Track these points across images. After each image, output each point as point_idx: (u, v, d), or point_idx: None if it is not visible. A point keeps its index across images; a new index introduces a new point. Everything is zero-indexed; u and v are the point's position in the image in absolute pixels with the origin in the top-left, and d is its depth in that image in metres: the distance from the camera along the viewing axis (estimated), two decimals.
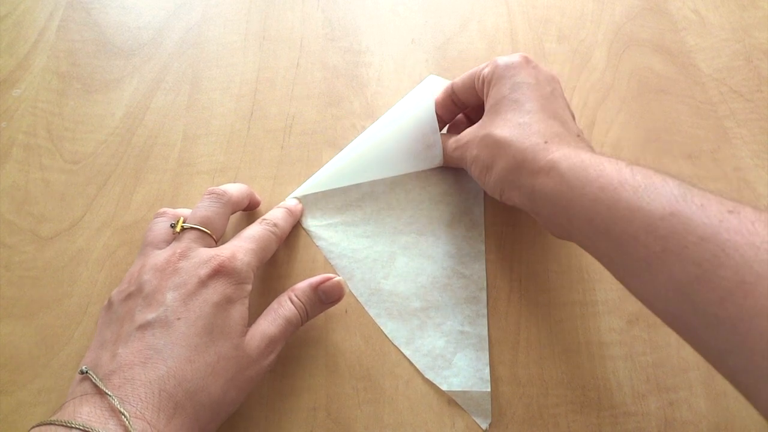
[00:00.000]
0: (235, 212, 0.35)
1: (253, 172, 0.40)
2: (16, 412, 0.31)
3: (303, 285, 0.32)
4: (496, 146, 0.31)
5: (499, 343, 0.34)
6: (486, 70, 0.34)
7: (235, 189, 0.34)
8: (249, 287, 0.30)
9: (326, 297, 0.32)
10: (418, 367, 0.33)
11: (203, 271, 0.28)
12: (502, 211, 0.38)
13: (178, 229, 0.31)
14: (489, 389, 0.32)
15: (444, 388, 0.32)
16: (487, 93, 0.34)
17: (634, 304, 0.35)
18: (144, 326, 0.27)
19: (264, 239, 0.32)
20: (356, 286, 0.36)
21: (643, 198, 0.24)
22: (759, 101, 0.42)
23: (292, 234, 0.37)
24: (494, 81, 0.34)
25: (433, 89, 0.39)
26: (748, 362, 0.20)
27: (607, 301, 0.35)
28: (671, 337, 0.34)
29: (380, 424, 0.32)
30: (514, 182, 0.30)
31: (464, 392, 0.32)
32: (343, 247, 0.37)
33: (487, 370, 0.33)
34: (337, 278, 0.33)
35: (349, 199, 0.38)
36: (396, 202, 0.38)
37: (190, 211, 0.33)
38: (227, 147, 0.41)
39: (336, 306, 0.35)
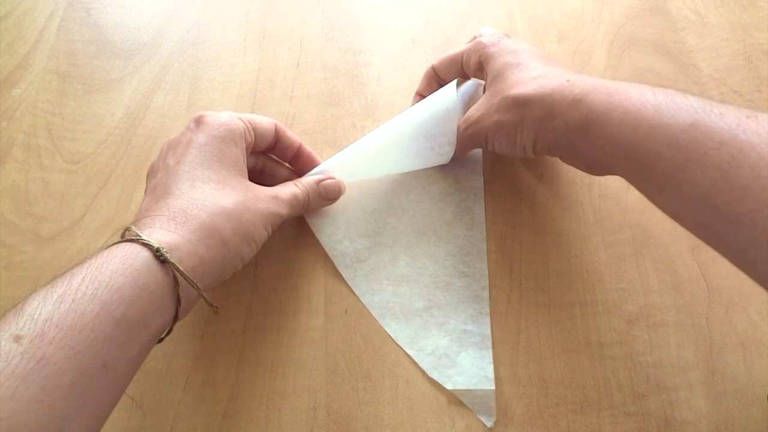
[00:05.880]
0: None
1: None
2: None
3: (307, 178, 0.35)
4: (520, 103, 0.31)
5: (500, 342, 0.34)
6: (474, 57, 0.35)
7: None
8: (238, 132, 0.32)
9: (326, 192, 0.35)
10: (422, 366, 0.33)
11: (191, 125, 0.31)
12: (503, 210, 0.38)
13: None
14: (493, 387, 0.32)
15: (448, 387, 0.32)
16: (484, 70, 0.35)
17: (634, 304, 0.35)
18: (154, 185, 0.30)
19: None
20: (358, 286, 0.35)
21: (664, 115, 0.25)
22: (759, 101, 0.42)
23: (294, 234, 0.37)
24: (489, 56, 0.34)
25: (457, 89, 0.38)
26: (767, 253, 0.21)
27: (607, 301, 0.35)
28: (671, 337, 0.34)
29: (380, 424, 0.32)
30: (548, 127, 0.30)
31: (468, 391, 0.32)
32: (346, 245, 0.37)
33: (491, 368, 0.33)
34: (337, 179, 0.36)
35: (349, 196, 0.38)
36: (397, 202, 0.38)
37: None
38: None
39: (336, 306, 0.35)
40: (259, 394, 0.32)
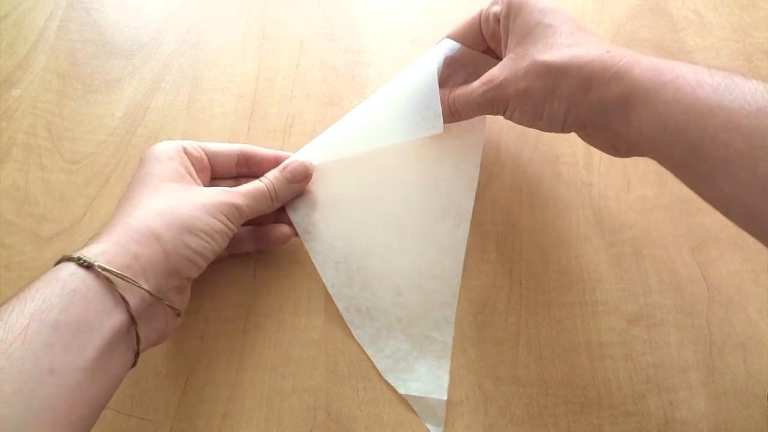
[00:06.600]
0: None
1: None
2: None
3: (272, 171, 0.35)
4: (553, 71, 0.28)
5: (499, 343, 0.34)
6: (496, 8, 0.33)
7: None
8: (172, 148, 0.32)
9: (293, 176, 0.34)
10: (378, 368, 0.33)
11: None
12: (502, 210, 0.38)
13: None
14: (445, 397, 0.32)
15: (401, 391, 0.32)
16: (508, 26, 0.32)
17: (634, 304, 0.35)
18: None
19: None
20: (328, 275, 0.35)
21: (724, 96, 0.23)
22: None
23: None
24: (514, 12, 0.31)
25: (439, 51, 0.36)
26: None
27: (607, 301, 0.35)
28: (671, 337, 0.34)
29: (380, 424, 0.32)
30: (582, 101, 0.28)
31: (421, 398, 0.32)
32: (321, 228, 0.35)
33: (447, 378, 0.32)
34: (302, 159, 0.35)
35: (333, 177, 0.36)
36: (384, 185, 0.37)
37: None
38: None
39: (336, 306, 0.35)
40: (259, 394, 0.32)
